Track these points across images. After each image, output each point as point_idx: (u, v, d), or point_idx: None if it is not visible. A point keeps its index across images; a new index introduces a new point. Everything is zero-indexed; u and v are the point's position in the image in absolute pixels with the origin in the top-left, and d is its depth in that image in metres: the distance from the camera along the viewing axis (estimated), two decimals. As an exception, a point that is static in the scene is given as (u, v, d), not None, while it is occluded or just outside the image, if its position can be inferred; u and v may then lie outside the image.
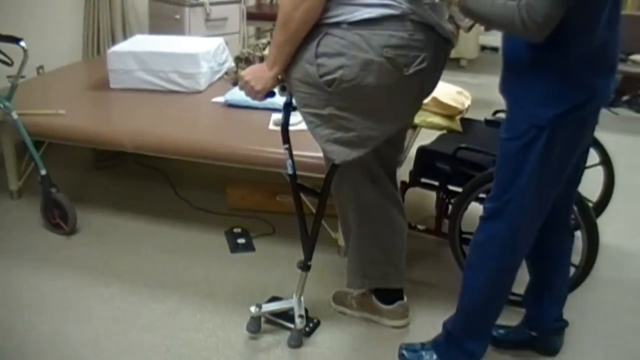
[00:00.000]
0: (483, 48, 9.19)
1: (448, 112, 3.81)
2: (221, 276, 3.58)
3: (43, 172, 3.87)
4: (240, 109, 4.05)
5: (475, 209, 3.20)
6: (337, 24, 2.55)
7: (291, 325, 3.09)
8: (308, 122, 2.74)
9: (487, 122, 3.39)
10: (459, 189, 3.43)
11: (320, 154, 3.04)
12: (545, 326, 3.04)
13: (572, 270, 3.14)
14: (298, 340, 3.07)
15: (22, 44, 3.77)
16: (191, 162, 3.82)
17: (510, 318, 3.11)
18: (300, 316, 3.08)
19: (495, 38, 7.91)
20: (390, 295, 3.23)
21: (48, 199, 3.92)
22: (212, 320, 3.25)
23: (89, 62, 5.41)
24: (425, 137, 3.87)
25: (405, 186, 3.64)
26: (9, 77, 3.87)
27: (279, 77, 2.76)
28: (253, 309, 3.08)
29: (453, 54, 7.81)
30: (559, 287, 2.99)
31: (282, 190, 4.00)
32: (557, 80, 2.37)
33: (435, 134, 3.90)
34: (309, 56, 2.61)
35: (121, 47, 4.64)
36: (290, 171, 2.99)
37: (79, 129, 3.96)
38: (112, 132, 3.86)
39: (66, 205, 3.90)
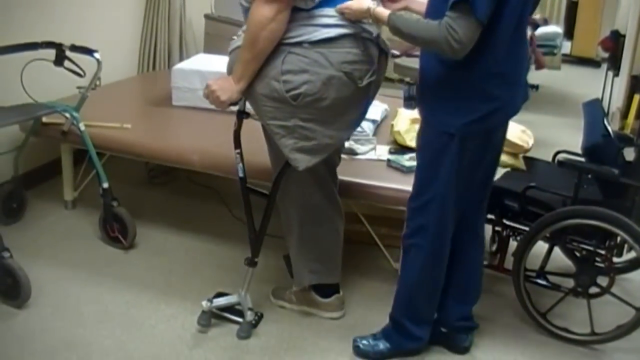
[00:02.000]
0: (523, 85, 9.10)
1: (514, 150, 3.82)
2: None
3: (105, 184, 3.88)
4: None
5: (540, 246, 3.31)
6: (299, 44, 2.82)
7: (239, 319, 3.31)
8: (274, 134, 2.97)
9: (560, 163, 3.39)
10: (521, 226, 3.49)
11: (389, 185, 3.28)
12: (452, 324, 3.24)
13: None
14: (247, 332, 3.29)
15: (97, 55, 3.81)
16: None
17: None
18: (250, 309, 3.31)
19: (539, 75, 7.90)
20: (328, 289, 3.46)
21: (108, 212, 3.93)
22: (274, 345, 3.26)
23: (146, 78, 5.45)
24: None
25: (470, 222, 3.63)
26: (79, 88, 3.89)
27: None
28: (204, 303, 3.29)
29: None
30: (466, 288, 3.20)
31: (345, 218, 3.98)
32: (466, 93, 2.71)
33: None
34: (275, 73, 2.84)
35: (186, 64, 4.65)
36: (240, 174, 3.24)
37: (145, 144, 3.98)
38: (180, 150, 3.87)
39: (127, 219, 3.91)
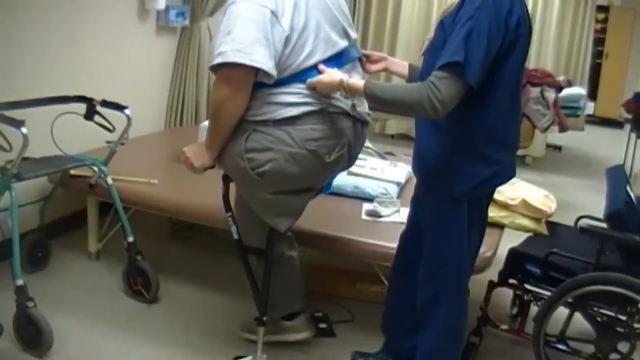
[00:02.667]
0: (548, 146, 9.13)
1: (536, 215, 3.83)
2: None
3: (131, 239, 3.92)
4: (331, 195, 4.08)
5: (561, 312, 3.30)
6: (264, 122, 2.83)
7: None
8: (251, 204, 3.13)
9: (582, 230, 3.39)
10: (543, 292, 3.48)
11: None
12: (401, 353, 3.31)
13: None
14: None
15: (127, 112, 3.87)
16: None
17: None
18: None
19: (562, 136, 7.92)
20: (292, 313, 3.55)
21: (133, 266, 3.96)
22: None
23: (173, 133, 5.52)
24: (511, 238, 3.88)
25: (493, 285, 3.64)
26: (108, 142, 3.96)
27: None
28: None
29: (519, 152, 7.89)
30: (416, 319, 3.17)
31: (363, 279, 4.01)
32: (468, 159, 2.77)
33: (518, 234, 3.90)
34: (239, 151, 2.88)
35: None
36: (235, 236, 3.25)
37: (171, 200, 4.03)
38: (206, 207, 3.88)
39: (150, 274, 3.94)
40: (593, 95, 12.19)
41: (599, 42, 12.44)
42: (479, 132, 2.73)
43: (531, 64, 8.00)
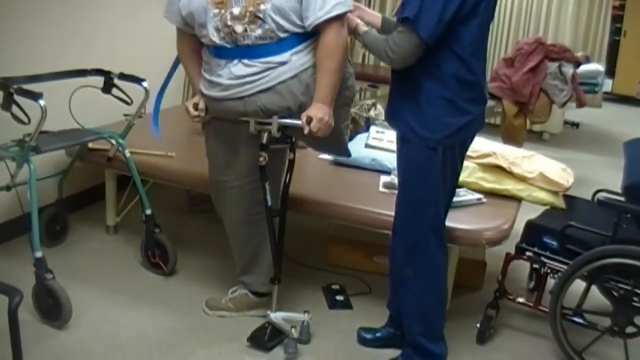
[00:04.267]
0: (565, 123, 9.06)
1: (554, 188, 3.82)
2: (322, 332, 3.58)
3: (148, 211, 3.94)
4: (348, 167, 4.09)
5: (578, 285, 3.29)
6: None
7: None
8: (344, 136, 3.52)
9: (600, 202, 3.38)
10: (560, 264, 3.46)
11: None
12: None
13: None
14: (294, 348, 3.34)
15: (145, 84, 3.88)
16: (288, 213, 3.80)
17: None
18: (293, 326, 3.36)
19: (579, 113, 7.89)
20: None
21: (150, 239, 3.98)
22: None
23: (190, 106, 5.50)
24: (526, 211, 3.87)
25: (510, 257, 3.63)
26: (126, 115, 3.97)
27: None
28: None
29: (536, 127, 7.87)
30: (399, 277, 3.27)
31: (380, 252, 4.00)
32: (442, 109, 2.90)
33: (535, 207, 3.89)
34: (345, 83, 3.27)
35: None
36: (270, 204, 3.32)
37: (189, 172, 4.04)
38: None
39: (168, 246, 3.96)
40: (611, 72, 12.09)
41: (617, 19, 12.32)
42: (447, 85, 2.87)
43: (549, 38, 7.94)
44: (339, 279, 4.09)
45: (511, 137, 6.19)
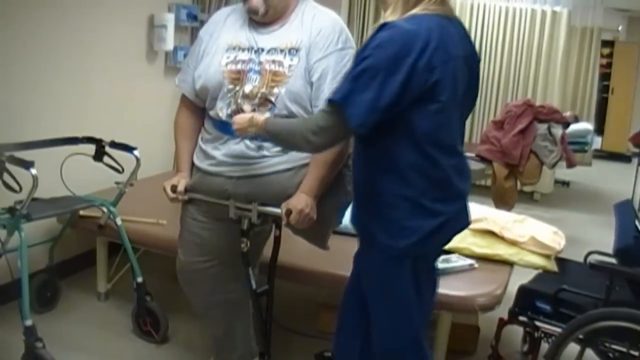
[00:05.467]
0: (555, 182, 9.10)
1: (545, 251, 3.82)
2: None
3: (140, 279, 3.93)
4: (338, 235, 4.04)
5: (572, 348, 3.25)
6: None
7: None
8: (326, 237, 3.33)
9: (592, 266, 3.39)
10: (553, 328, 3.45)
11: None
12: None
13: None
14: None
15: (136, 153, 3.89)
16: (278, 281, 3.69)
17: None
18: None
19: (569, 171, 7.92)
20: None
21: (142, 307, 3.96)
22: None
23: (181, 172, 5.51)
24: (518, 275, 3.87)
25: (503, 323, 3.63)
26: (117, 183, 3.97)
27: None
28: None
29: (528, 187, 7.90)
30: None
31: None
32: (405, 210, 2.43)
33: (528, 271, 3.89)
34: (344, 187, 3.06)
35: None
36: (254, 287, 3.16)
37: (180, 240, 3.99)
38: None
39: (159, 314, 3.94)
40: (600, 129, 12.21)
41: (605, 76, 12.49)
42: (407, 181, 2.42)
43: (538, 99, 8.02)
44: (331, 345, 4.04)
45: (502, 199, 6.23)
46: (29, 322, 3.34)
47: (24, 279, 3.35)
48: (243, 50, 2.99)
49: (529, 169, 6.24)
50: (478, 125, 8.71)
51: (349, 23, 8.86)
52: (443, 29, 2.37)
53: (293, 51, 2.93)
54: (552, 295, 3.42)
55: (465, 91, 2.51)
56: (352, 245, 3.91)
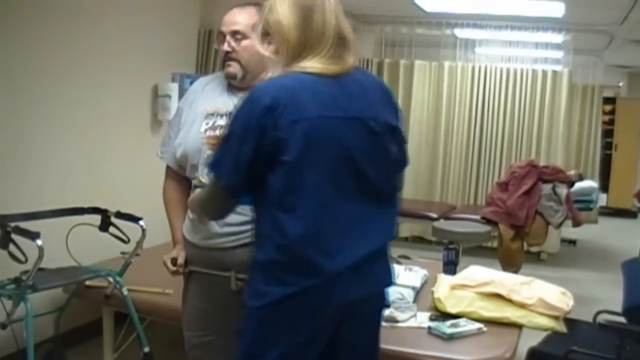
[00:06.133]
0: (561, 240, 9.02)
1: (554, 312, 3.78)
2: None
3: (147, 349, 3.92)
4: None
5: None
6: None
7: None
8: None
9: (601, 326, 3.36)
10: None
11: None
12: None
13: None
14: None
15: (142, 223, 3.90)
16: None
17: None
18: None
19: (576, 230, 7.90)
20: None
21: (149, 376, 3.92)
22: None
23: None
24: (527, 337, 3.83)
25: (514, 387, 3.58)
26: (123, 253, 3.97)
27: None
28: None
29: (535, 248, 7.87)
30: None
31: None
32: (260, 273, 2.36)
33: (537, 333, 3.85)
34: None
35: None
36: None
37: (186, 309, 3.98)
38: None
39: (166, 384, 3.91)
40: (604, 186, 12.21)
41: (608, 133, 12.53)
42: (263, 246, 2.36)
43: (541, 159, 8.04)
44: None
45: (509, 260, 6.21)
46: (35, 395, 3.32)
47: (29, 350, 3.35)
48: (221, 116, 2.97)
49: (535, 229, 6.23)
50: (483, 187, 8.73)
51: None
52: (306, 87, 2.32)
53: None
54: (563, 357, 3.39)
55: (346, 152, 2.33)
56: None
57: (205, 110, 3.03)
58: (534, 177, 6.31)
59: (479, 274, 3.91)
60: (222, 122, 2.96)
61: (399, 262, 4.68)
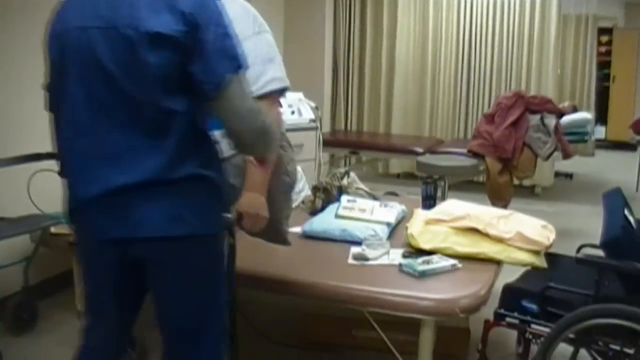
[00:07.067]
0: (557, 174, 8.89)
1: (533, 247, 3.64)
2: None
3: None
4: (318, 240, 3.90)
5: (564, 349, 3.09)
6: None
7: None
8: (282, 226, 3.19)
9: (578, 260, 3.22)
10: (541, 329, 3.28)
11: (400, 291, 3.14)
12: None
13: None
14: None
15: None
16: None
17: None
18: None
19: (572, 163, 7.75)
20: None
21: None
22: None
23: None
24: (508, 273, 3.70)
25: (489, 325, 3.45)
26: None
27: None
28: None
29: (528, 181, 7.73)
30: None
31: (358, 325, 3.82)
32: None
33: (518, 269, 3.72)
34: (284, 169, 3.02)
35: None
36: None
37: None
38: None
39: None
40: (603, 119, 12.05)
41: (605, 64, 12.32)
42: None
43: (532, 91, 7.85)
44: (317, 356, 3.91)
45: (497, 195, 6.07)
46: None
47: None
48: None
49: (523, 162, 6.09)
50: (472, 120, 8.54)
51: (335, 25, 8.77)
52: None
53: None
54: (538, 293, 3.25)
55: (103, 69, 2.15)
56: (330, 250, 3.80)
57: None
58: (520, 108, 6.14)
59: (454, 208, 3.77)
60: None
61: (375, 199, 4.52)
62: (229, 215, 2.70)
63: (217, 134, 2.40)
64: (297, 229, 4.01)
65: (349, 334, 3.99)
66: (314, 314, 4.15)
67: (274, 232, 3.15)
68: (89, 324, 2.51)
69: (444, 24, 8.65)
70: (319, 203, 4.39)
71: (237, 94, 2.21)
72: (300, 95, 6.49)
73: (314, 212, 4.31)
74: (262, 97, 2.71)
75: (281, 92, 2.87)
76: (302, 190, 4.73)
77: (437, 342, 3.43)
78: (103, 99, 2.17)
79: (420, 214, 3.90)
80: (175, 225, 2.21)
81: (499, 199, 6.01)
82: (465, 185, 6.90)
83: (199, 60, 2.12)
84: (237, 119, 2.24)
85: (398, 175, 9.05)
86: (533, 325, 3.32)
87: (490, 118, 6.32)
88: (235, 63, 2.19)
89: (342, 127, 9.08)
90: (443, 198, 5.79)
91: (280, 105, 2.93)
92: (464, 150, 6.55)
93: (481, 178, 7.23)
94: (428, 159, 6.58)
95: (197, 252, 2.31)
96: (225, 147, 2.57)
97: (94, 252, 2.36)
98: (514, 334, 3.84)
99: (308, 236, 3.96)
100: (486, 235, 3.64)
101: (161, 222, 2.20)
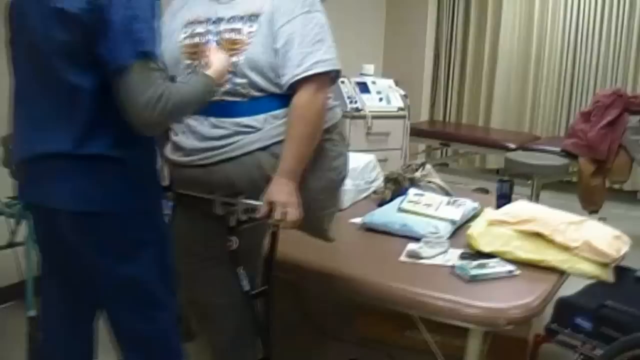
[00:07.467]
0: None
1: (601, 259, 3.40)
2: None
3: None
4: (377, 233, 3.76)
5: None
6: (327, 130, 2.83)
7: None
8: (323, 223, 3.01)
9: (638, 279, 3.00)
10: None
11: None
12: None
13: None
14: None
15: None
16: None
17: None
18: None
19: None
20: None
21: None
22: None
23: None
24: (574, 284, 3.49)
25: (539, 340, 3.26)
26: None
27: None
28: None
29: (629, 186, 7.34)
30: None
31: (412, 325, 3.67)
32: None
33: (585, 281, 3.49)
34: (328, 165, 2.87)
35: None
36: (247, 288, 2.87)
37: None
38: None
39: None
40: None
41: None
42: None
43: (628, 88, 7.45)
44: (365, 353, 3.82)
45: (589, 198, 5.82)
46: None
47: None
48: (201, 22, 2.85)
49: (618, 165, 5.80)
50: (574, 117, 8.08)
51: (438, 14, 8.57)
52: None
53: (253, 17, 2.74)
54: (593, 311, 3.04)
55: (33, 39, 2.30)
56: (388, 245, 3.66)
57: (186, 20, 2.90)
58: (619, 108, 5.82)
59: (522, 209, 3.58)
60: (200, 29, 2.83)
61: (449, 194, 4.32)
62: (258, 203, 2.64)
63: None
64: (357, 220, 3.91)
65: (402, 334, 3.89)
66: (366, 309, 4.02)
67: (314, 227, 3.03)
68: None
69: (549, 16, 8.30)
70: (388, 194, 4.26)
71: (135, 82, 2.19)
72: (390, 82, 6.38)
73: (382, 203, 4.18)
74: (306, 80, 2.67)
75: (330, 75, 2.77)
76: (375, 179, 4.60)
77: (491, 350, 3.28)
78: (31, 68, 2.32)
79: (487, 214, 3.72)
80: (79, 201, 2.29)
81: (590, 203, 5.77)
82: (559, 185, 6.63)
83: (103, 41, 2.16)
84: (131, 107, 2.22)
85: (497, 171, 8.69)
86: (586, 345, 3.12)
87: (586, 116, 6.04)
88: (140, 48, 2.18)
89: (441, 117, 8.88)
90: (533, 198, 5.57)
91: (328, 92, 2.81)
92: (558, 149, 6.29)
93: (573, 179, 6.91)
94: (517, 155, 6.34)
95: (105, 230, 2.35)
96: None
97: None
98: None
99: (368, 228, 3.84)
100: (552, 241, 3.42)
101: (68, 196, 2.29)
